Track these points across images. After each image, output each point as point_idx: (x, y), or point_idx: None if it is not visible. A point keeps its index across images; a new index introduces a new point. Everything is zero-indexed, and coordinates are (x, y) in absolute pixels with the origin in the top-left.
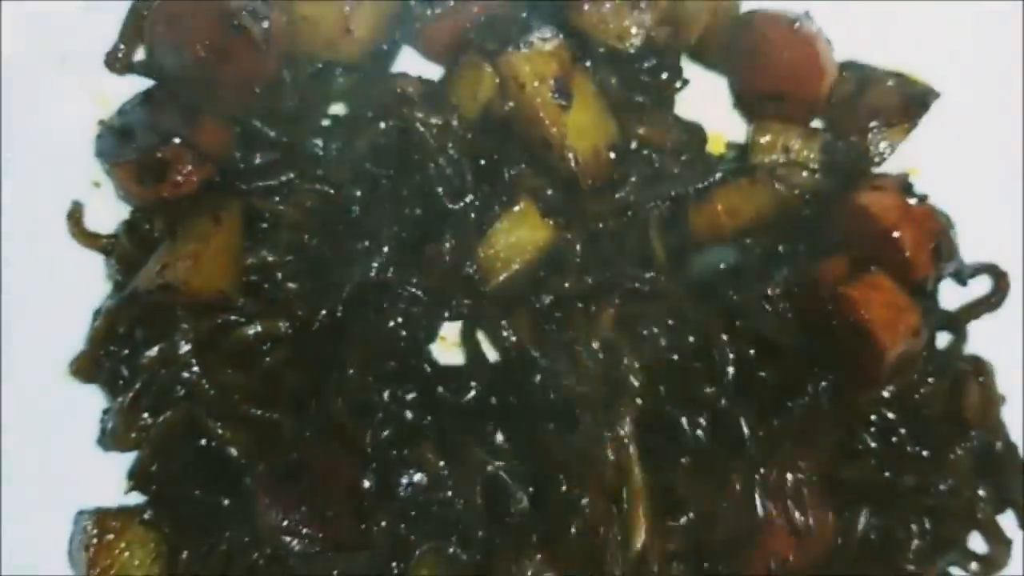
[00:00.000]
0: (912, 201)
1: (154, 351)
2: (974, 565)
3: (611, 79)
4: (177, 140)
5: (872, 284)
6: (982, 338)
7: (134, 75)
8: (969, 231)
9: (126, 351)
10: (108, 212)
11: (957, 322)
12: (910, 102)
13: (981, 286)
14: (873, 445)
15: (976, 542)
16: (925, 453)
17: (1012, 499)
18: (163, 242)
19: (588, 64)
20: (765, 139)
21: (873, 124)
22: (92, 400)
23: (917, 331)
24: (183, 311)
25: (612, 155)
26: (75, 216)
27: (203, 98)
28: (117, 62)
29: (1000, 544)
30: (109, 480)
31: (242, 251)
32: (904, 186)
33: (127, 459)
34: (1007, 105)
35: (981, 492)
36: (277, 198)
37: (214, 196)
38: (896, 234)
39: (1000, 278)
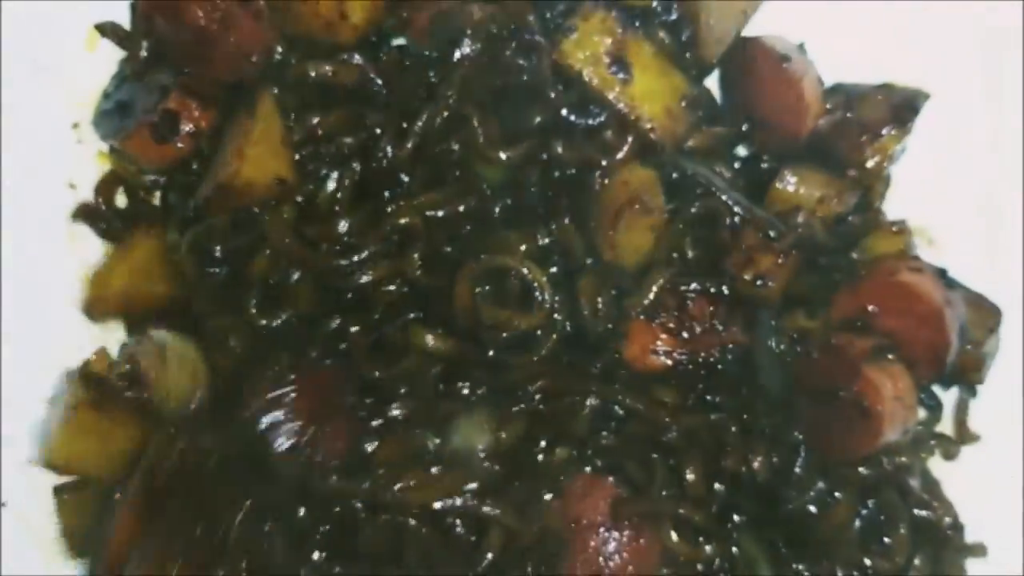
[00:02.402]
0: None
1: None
2: None
3: (659, 33)
4: (174, 91)
5: (891, 373)
6: None
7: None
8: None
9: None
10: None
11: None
12: (898, 108)
13: None
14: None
15: None
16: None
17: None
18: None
19: (637, 25)
20: (784, 187)
21: (864, 138)
22: None
23: (906, 431)
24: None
25: (683, 104)
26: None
27: (196, 70)
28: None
29: None
30: None
31: (287, 132)
32: (939, 272)
33: None
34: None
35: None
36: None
37: (242, 94)
38: (943, 315)
39: None
